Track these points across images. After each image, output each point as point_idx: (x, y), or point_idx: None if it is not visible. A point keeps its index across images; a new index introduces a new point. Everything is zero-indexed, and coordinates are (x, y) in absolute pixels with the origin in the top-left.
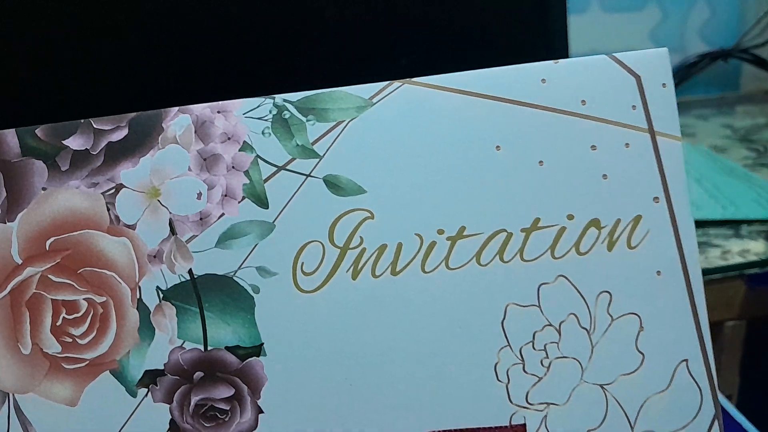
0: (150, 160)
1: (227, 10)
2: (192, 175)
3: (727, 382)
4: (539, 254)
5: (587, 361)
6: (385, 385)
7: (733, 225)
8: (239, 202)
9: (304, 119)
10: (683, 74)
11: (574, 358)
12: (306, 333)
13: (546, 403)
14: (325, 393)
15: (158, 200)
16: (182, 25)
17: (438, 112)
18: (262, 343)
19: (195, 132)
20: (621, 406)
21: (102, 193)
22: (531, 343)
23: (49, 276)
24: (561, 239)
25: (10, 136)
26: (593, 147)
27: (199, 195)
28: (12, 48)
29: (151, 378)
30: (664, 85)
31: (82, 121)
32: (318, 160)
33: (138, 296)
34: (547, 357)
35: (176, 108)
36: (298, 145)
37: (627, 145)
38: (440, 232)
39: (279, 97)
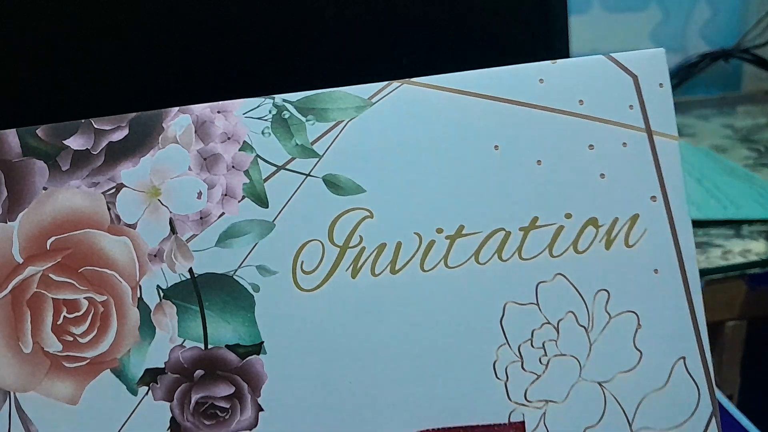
0: (150, 160)
1: (227, 10)
2: (192, 175)
3: (727, 381)
4: (537, 253)
5: (585, 359)
6: (385, 383)
7: (734, 225)
8: (239, 202)
9: (303, 119)
10: (684, 74)
11: (573, 356)
12: (306, 331)
13: (544, 400)
14: (325, 391)
15: (158, 200)
16: (182, 25)
17: (437, 111)
18: (262, 342)
19: (195, 132)
20: (619, 404)
21: (102, 193)
22: (529, 341)
23: (50, 275)
24: (559, 238)
25: (11, 136)
26: (591, 146)
27: (200, 194)
28: (12, 48)
29: (151, 376)
30: (661, 84)
31: (83, 121)
32: (317, 159)
33: (138, 295)
34: (546, 355)
35: (176, 108)
36: (297, 144)
37: (624, 144)
38: (439, 231)
39: (279, 97)
